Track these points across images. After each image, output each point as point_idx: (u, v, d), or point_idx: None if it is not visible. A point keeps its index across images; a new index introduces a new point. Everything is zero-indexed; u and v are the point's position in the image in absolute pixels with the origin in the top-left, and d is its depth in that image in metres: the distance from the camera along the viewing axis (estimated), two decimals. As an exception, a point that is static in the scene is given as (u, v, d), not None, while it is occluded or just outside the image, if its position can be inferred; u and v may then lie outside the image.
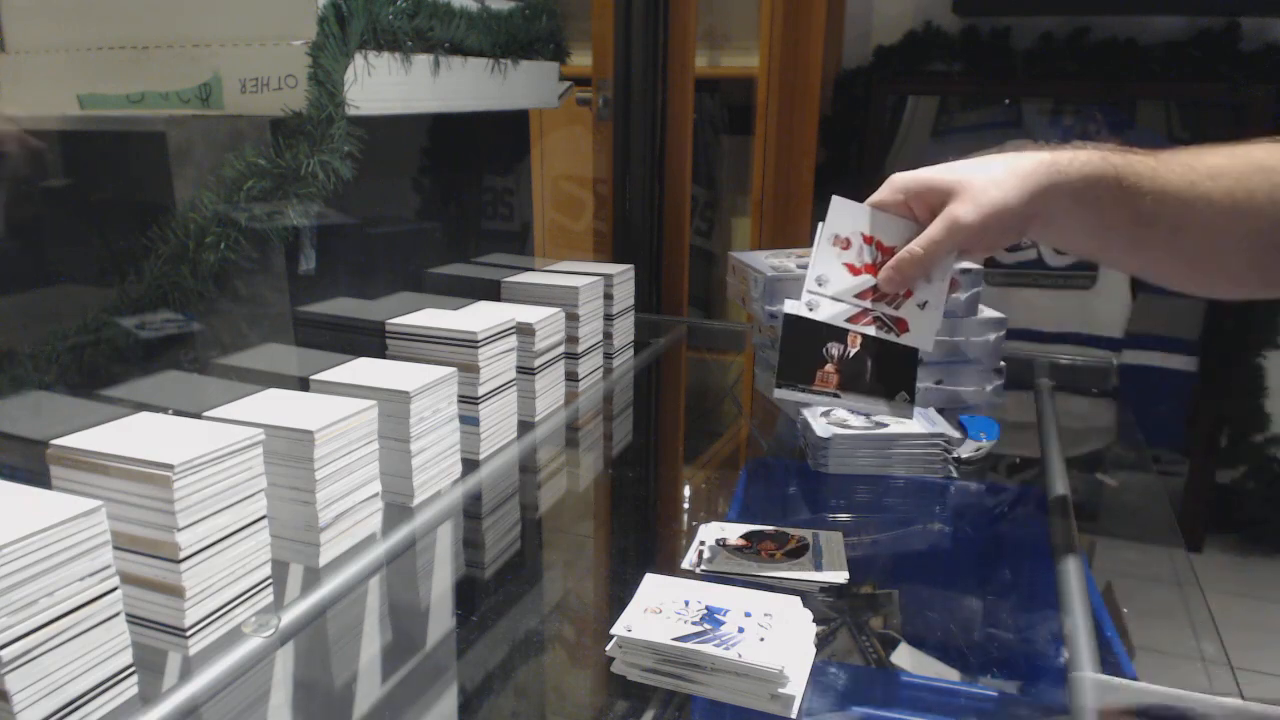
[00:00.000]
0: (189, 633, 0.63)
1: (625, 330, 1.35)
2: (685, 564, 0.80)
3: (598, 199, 1.78)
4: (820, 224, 0.75)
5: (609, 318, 1.28)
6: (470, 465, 0.96)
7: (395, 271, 1.11)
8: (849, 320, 0.73)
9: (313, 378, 0.87)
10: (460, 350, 0.96)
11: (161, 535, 0.62)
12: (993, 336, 1.14)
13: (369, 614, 0.77)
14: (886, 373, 0.74)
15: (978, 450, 1.04)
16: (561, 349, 1.14)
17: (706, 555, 0.80)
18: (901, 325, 0.74)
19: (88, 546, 0.55)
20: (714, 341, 1.85)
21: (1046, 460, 1.00)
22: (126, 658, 0.59)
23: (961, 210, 0.69)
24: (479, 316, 1.01)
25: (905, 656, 0.77)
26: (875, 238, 0.74)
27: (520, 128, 1.48)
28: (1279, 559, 2.37)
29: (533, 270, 1.27)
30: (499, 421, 1.01)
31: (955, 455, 1.01)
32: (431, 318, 1.00)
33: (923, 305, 0.74)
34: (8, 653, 0.51)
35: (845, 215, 0.75)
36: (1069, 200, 0.68)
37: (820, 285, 0.74)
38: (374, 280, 1.06)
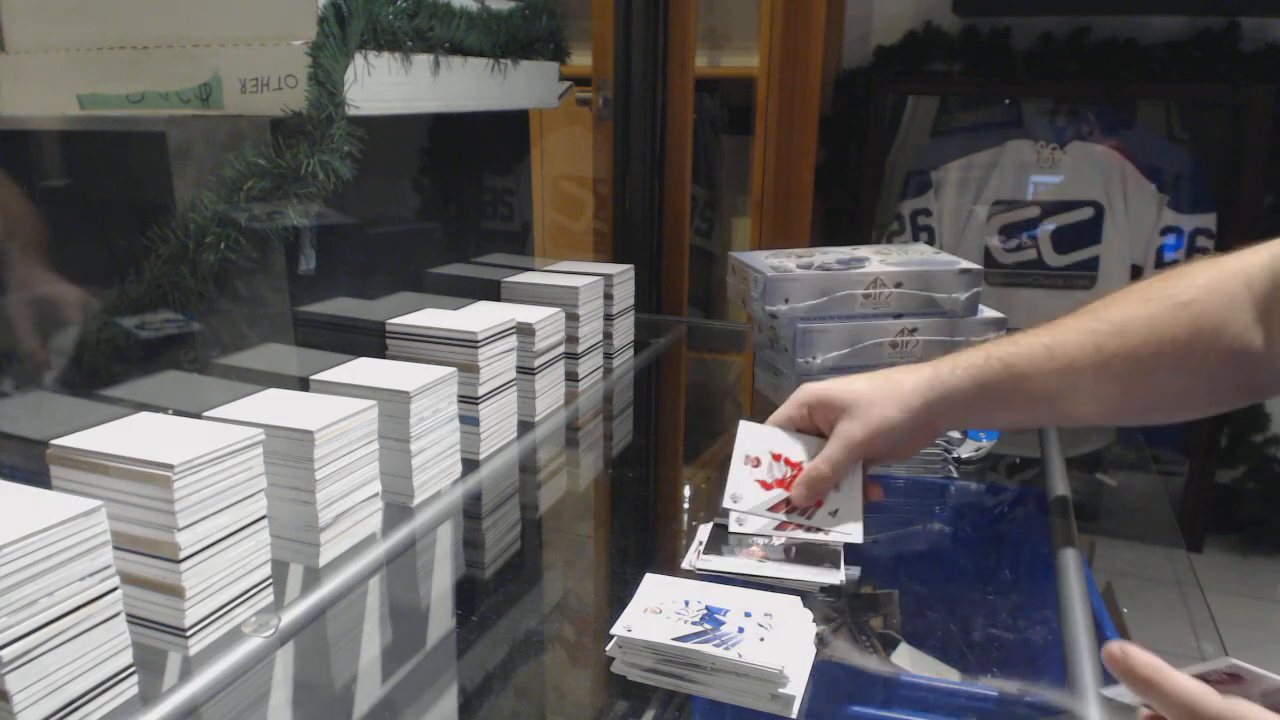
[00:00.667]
0: (189, 633, 0.63)
1: (625, 330, 1.35)
2: (685, 564, 0.80)
3: (598, 199, 1.78)
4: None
5: (609, 318, 1.28)
6: (470, 465, 0.96)
7: (395, 271, 1.11)
8: (775, 529, 0.79)
9: (313, 378, 0.87)
10: (460, 350, 0.96)
11: (161, 535, 0.62)
12: (993, 336, 1.14)
13: (369, 614, 0.77)
14: (813, 551, 0.79)
15: (978, 450, 1.04)
16: (561, 349, 1.14)
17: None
18: (821, 531, 0.79)
19: (88, 546, 0.55)
20: (714, 341, 1.85)
21: (1046, 460, 1.00)
22: (126, 658, 0.59)
23: (851, 428, 0.76)
24: (479, 316, 1.01)
25: (905, 656, 0.77)
26: (783, 455, 0.82)
27: (520, 128, 1.47)
28: (1279, 559, 2.37)
29: (533, 270, 1.27)
30: (499, 421, 1.01)
31: (955, 455, 1.01)
32: (431, 318, 1.00)
33: (834, 513, 0.79)
34: (8, 653, 0.51)
35: (753, 436, 0.83)
36: (958, 408, 0.75)
37: (735, 502, 0.80)
38: (374, 280, 1.06)
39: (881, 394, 0.76)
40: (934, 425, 0.77)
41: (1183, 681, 0.47)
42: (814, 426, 0.81)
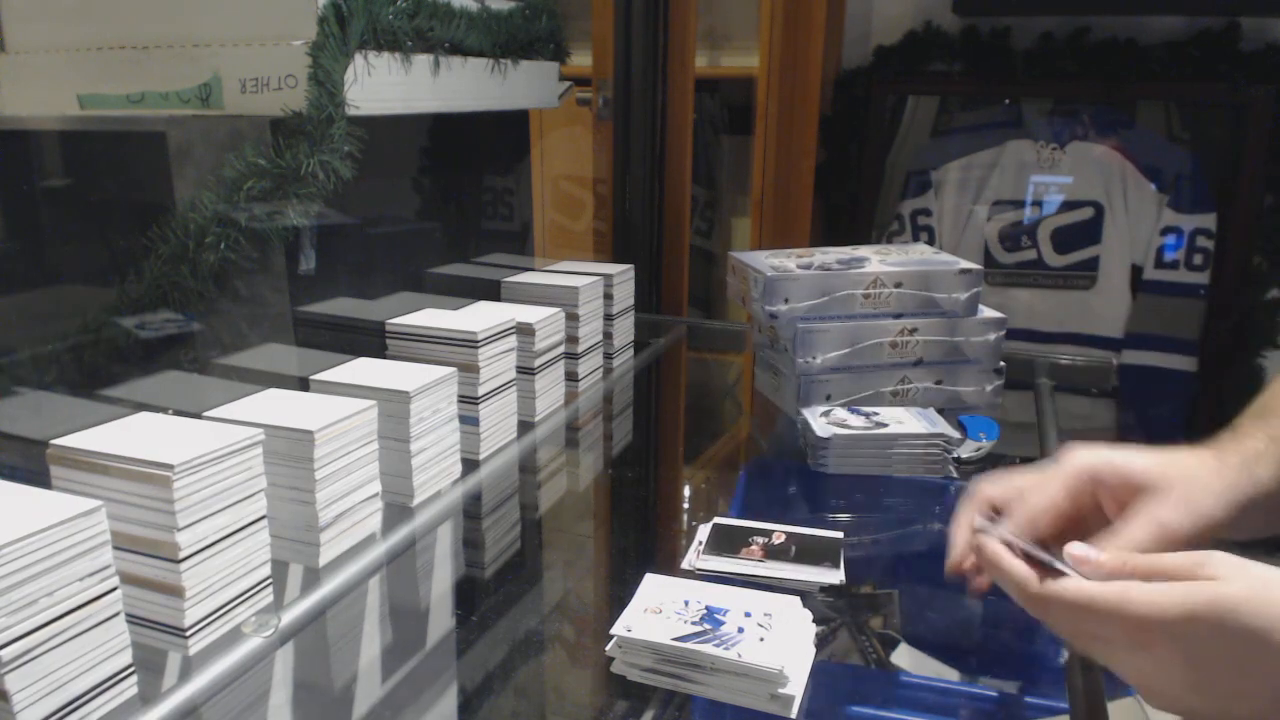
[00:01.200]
0: (189, 633, 0.63)
1: (625, 330, 1.35)
2: (685, 564, 0.80)
3: (598, 199, 1.78)
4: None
5: (609, 318, 1.28)
6: (470, 465, 0.96)
7: (395, 271, 1.11)
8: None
9: (313, 378, 0.87)
10: (460, 350, 0.96)
11: (161, 535, 0.62)
12: (993, 336, 1.14)
13: (369, 614, 0.77)
14: (812, 551, 0.79)
15: (978, 450, 1.04)
16: (561, 349, 1.14)
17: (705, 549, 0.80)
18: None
19: (88, 546, 0.55)
20: (714, 341, 1.85)
21: (1046, 460, 1.00)
22: (126, 658, 0.59)
23: (1171, 515, 0.56)
24: (479, 316, 1.01)
25: (905, 656, 0.77)
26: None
27: (520, 128, 1.47)
28: (1279, 559, 2.37)
29: (533, 270, 1.27)
30: (499, 421, 1.01)
31: (955, 455, 1.01)
32: (431, 318, 1.00)
33: None
34: (8, 653, 0.51)
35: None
36: (1262, 508, 0.58)
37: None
38: (374, 280, 1.06)
39: (1200, 477, 0.57)
40: (1236, 529, 0.59)
41: (1015, 564, 0.53)
42: (1090, 506, 0.60)
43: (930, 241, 2.38)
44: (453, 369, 0.91)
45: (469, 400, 0.96)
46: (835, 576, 0.76)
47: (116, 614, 0.57)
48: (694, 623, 0.65)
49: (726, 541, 0.81)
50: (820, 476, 0.99)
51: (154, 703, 0.59)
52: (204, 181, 0.82)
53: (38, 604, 0.52)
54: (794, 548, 0.80)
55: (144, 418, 0.71)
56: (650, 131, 1.68)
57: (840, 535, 0.82)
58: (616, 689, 0.65)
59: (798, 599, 0.69)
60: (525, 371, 1.06)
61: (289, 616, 0.69)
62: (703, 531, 0.84)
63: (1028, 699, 0.73)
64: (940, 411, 1.07)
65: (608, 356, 1.29)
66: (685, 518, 1.06)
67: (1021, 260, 2.33)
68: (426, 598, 0.83)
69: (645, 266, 1.71)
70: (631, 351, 1.38)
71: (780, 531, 0.82)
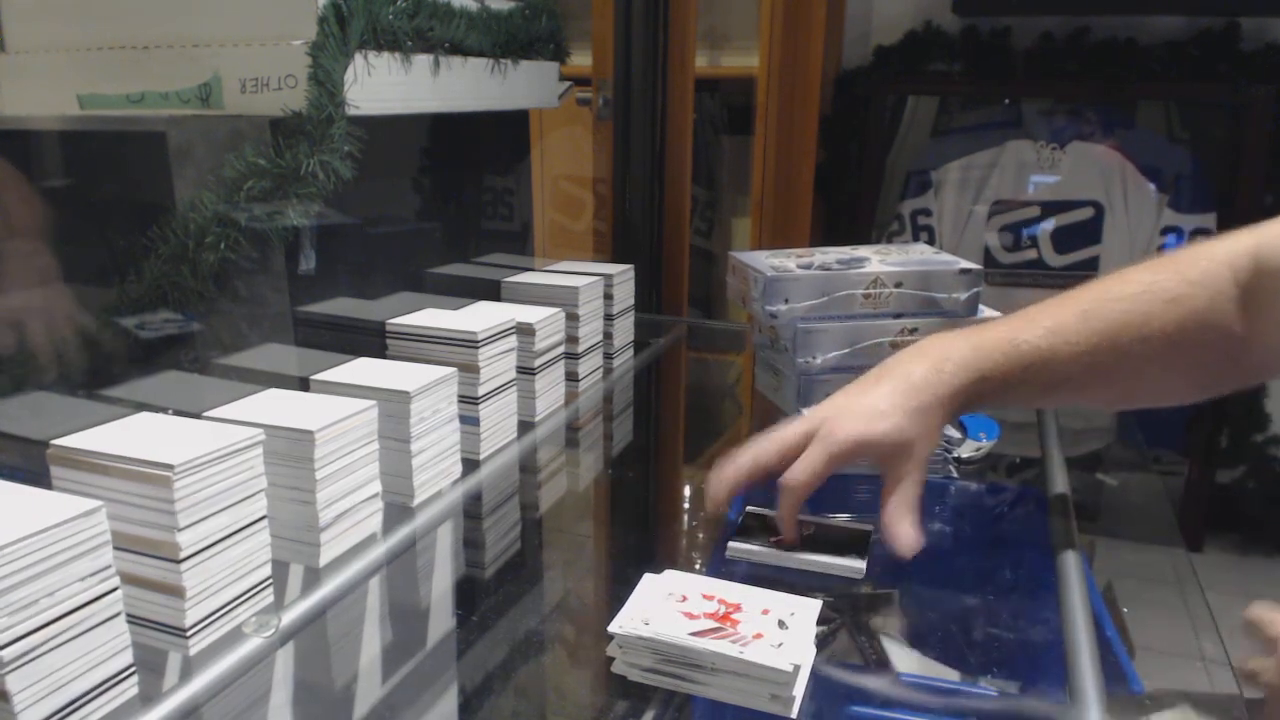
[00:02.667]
0: (189, 633, 0.63)
1: (625, 330, 1.35)
2: (728, 551, 0.79)
3: (598, 199, 1.78)
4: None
5: (609, 318, 1.28)
6: (470, 465, 0.96)
7: (395, 271, 1.11)
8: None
9: (313, 378, 0.87)
10: (460, 350, 0.96)
11: (162, 535, 0.62)
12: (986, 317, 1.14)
13: (369, 614, 0.77)
14: (839, 542, 0.80)
15: (978, 450, 1.04)
16: (561, 349, 1.14)
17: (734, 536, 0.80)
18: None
19: (88, 547, 0.55)
20: (714, 341, 1.85)
21: (1046, 460, 1.00)
22: (127, 658, 0.59)
23: (918, 477, 0.78)
24: (479, 316, 1.01)
25: (905, 656, 0.77)
26: (716, 595, 0.69)
27: (520, 128, 1.48)
28: (1279, 559, 2.37)
29: (533, 270, 1.27)
30: (499, 421, 1.01)
31: (955, 455, 1.01)
32: (431, 318, 1.00)
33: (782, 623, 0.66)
34: (8, 653, 0.51)
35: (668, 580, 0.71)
36: (960, 409, 0.76)
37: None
38: (374, 280, 1.06)
39: (912, 426, 0.75)
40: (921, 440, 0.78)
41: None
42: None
43: (930, 241, 2.39)
44: (453, 369, 0.91)
45: (469, 400, 0.96)
46: (857, 566, 0.76)
47: (117, 614, 0.57)
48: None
49: (759, 528, 0.81)
50: (820, 476, 0.99)
51: (154, 703, 0.59)
52: (204, 181, 0.82)
53: (38, 604, 0.52)
54: (822, 537, 0.80)
55: (144, 418, 0.71)
56: (650, 131, 1.68)
57: (870, 528, 0.82)
58: (616, 689, 0.65)
59: (819, 602, 0.69)
60: (525, 371, 1.06)
61: (289, 616, 0.69)
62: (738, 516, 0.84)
63: (1028, 699, 0.73)
64: (940, 411, 1.06)
65: (608, 356, 1.29)
66: (685, 518, 1.06)
67: (1021, 260, 2.34)
68: (427, 598, 0.83)
69: (645, 266, 1.71)
70: (631, 351, 1.38)
71: (809, 521, 0.82)
